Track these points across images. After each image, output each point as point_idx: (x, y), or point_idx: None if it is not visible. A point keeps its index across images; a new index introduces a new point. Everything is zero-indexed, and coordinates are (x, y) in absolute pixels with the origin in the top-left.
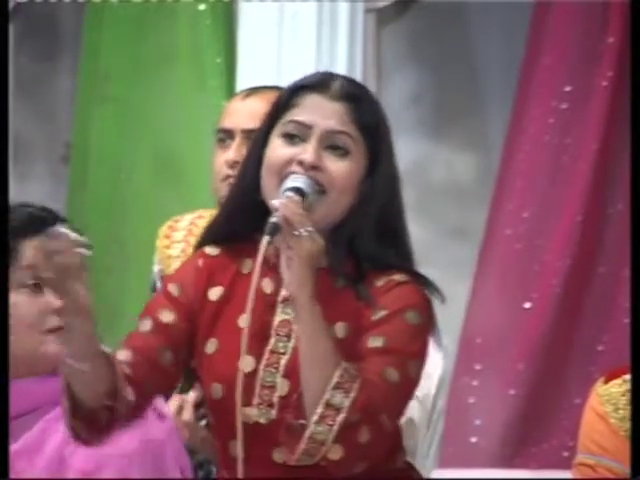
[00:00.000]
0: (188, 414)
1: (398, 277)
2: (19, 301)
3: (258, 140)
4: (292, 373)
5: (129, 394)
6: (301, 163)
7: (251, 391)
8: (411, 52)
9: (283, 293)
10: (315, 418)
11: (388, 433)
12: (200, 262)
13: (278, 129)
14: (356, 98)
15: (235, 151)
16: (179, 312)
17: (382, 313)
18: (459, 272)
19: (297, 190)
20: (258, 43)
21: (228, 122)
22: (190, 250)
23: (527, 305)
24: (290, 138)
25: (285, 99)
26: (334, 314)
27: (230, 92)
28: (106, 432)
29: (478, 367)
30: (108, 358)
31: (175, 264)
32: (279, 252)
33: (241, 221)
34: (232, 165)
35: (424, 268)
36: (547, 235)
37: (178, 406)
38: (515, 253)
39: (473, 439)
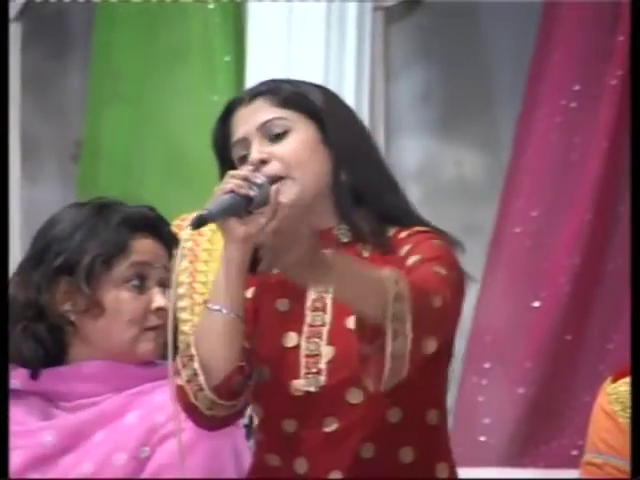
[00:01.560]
0: None
1: (420, 227)
2: (123, 297)
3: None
4: (336, 340)
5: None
6: (252, 165)
7: (297, 364)
8: (419, 50)
9: None
10: (390, 336)
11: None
12: None
13: (235, 158)
14: (272, 88)
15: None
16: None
17: (415, 258)
18: (468, 270)
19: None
20: (267, 42)
21: None
22: (197, 248)
23: (536, 303)
24: (243, 159)
25: (219, 130)
26: None
27: (239, 91)
28: (237, 400)
29: (487, 366)
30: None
31: (183, 262)
32: None
33: None
34: None
35: None
36: (556, 233)
37: None
38: (524, 251)
39: (482, 438)
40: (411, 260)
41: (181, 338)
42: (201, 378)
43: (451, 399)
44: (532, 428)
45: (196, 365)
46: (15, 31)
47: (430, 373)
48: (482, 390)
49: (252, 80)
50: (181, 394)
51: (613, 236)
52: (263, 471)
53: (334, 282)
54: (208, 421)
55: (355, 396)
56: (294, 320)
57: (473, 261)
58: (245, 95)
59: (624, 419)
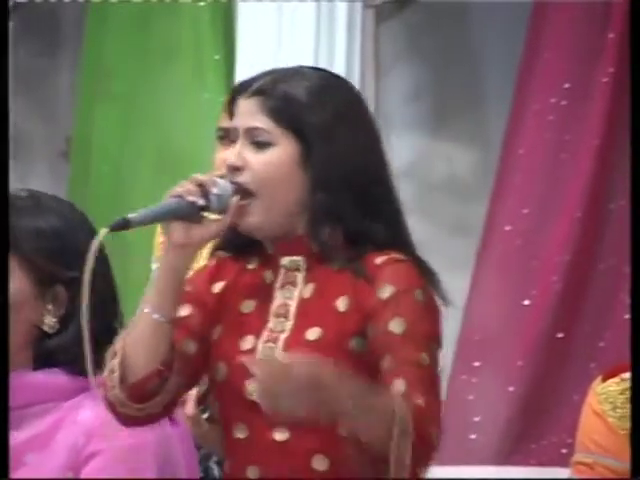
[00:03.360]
0: (190, 408)
1: (396, 255)
2: None
3: None
4: (292, 349)
5: (173, 376)
6: (227, 168)
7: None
8: (410, 48)
9: (281, 279)
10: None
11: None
12: (210, 262)
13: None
14: (267, 91)
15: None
16: (193, 305)
17: (389, 290)
18: (458, 268)
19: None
20: (257, 40)
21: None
22: None
23: (526, 302)
24: (225, 141)
25: (227, 107)
26: (334, 291)
27: (229, 89)
28: (148, 403)
29: (477, 364)
30: (172, 326)
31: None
32: (277, 246)
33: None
34: None
35: None
36: (547, 231)
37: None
38: (515, 249)
39: (472, 436)
40: (385, 293)
41: None
42: (115, 375)
43: (441, 397)
44: (522, 426)
45: (116, 362)
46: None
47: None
48: (472, 388)
49: (241, 78)
50: (103, 387)
51: (604, 234)
52: (225, 477)
53: (344, 413)
54: (121, 418)
55: None
56: (254, 323)
57: (463, 259)
58: (250, 86)
59: (613, 419)
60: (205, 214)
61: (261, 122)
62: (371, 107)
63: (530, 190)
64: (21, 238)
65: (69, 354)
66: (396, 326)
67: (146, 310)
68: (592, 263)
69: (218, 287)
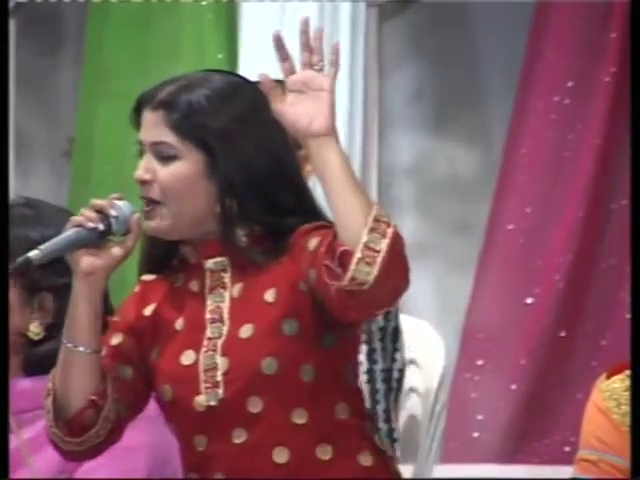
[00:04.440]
0: None
1: (312, 224)
2: None
3: None
4: (229, 351)
5: (110, 404)
6: (137, 182)
7: (196, 380)
8: (413, 47)
9: (209, 284)
10: (356, 258)
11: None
12: (137, 288)
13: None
14: (171, 103)
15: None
16: (124, 333)
17: (316, 240)
18: (461, 267)
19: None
20: (260, 39)
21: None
22: None
23: (529, 300)
24: (140, 155)
25: (134, 117)
26: (262, 285)
27: None
28: (87, 435)
29: (480, 362)
30: (99, 355)
31: None
32: (198, 251)
33: (164, 248)
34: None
35: (426, 263)
36: (549, 230)
37: None
38: (517, 248)
39: (475, 434)
40: (312, 244)
41: None
42: (50, 415)
43: (444, 395)
44: (525, 424)
45: (49, 401)
46: (9, 27)
47: (331, 367)
48: (475, 386)
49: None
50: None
51: (606, 233)
52: None
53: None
54: (65, 454)
55: (255, 405)
56: (192, 337)
57: (466, 258)
58: (151, 98)
59: (618, 416)
60: (111, 237)
61: (165, 136)
62: (374, 106)
63: (533, 189)
64: (11, 246)
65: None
66: (314, 242)
67: (68, 345)
68: (594, 262)
69: (149, 310)
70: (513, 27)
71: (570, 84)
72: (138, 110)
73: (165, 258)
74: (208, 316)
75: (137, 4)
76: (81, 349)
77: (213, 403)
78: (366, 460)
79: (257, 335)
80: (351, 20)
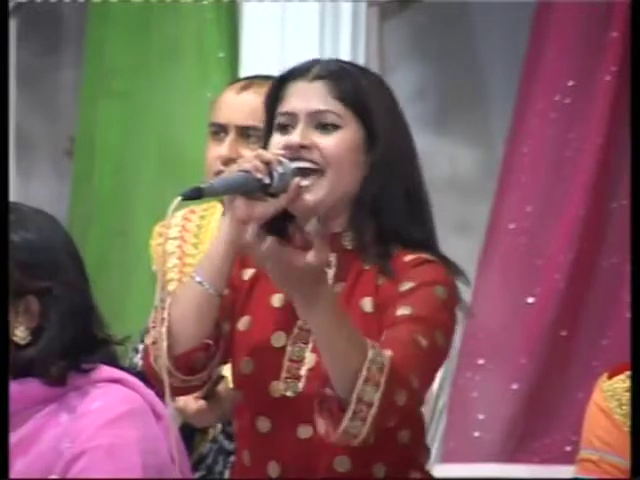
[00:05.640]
0: (192, 404)
1: (426, 255)
2: None
3: (263, 139)
4: None
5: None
6: (289, 147)
7: (279, 366)
8: (414, 46)
9: None
10: (349, 414)
11: (417, 397)
12: None
13: (275, 123)
14: (336, 75)
15: (228, 147)
16: (228, 287)
17: (410, 285)
18: (462, 266)
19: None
20: (261, 38)
21: (222, 116)
22: (186, 246)
23: (530, 300)
24: (284, 129)
25: (274, 93)
26: (361, 291)
27: None
28: (199, 375)
29: (481, 362)
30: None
31: (172, 260)
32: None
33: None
34: (225, 162)
35: None
36: (550, 229)
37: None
38: (518, 247)
39: (476, 434)
40: (406, 286)
41: None
42: (164, 344)
43: (445, 395)
44: (526, 424)
45: (163, 329)
46: (9, 26)
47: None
48: (476, 386)
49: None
50: (146, 354)
51: (607, 232)
52: (239, 470)
53: (324, 316)
54: (162, 387)
55: None
56: (286, 319)
57: (467, 257)
58: (308, 71)
59: (619, 416)
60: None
61: (330, 105)
62: None
63: (534, 188)
64: None
65: (43, 364)
66: (403, 310)
67: (198, 279)
68: (595, 261)
69: (247, 274)
70: (514, 26)
71: (571, 83)
72: (281, 84)
73: (282, 226)
74: None
75: (137, 4)
76: (210, 289)
77: (290, 394)
78: (415, 476)
79: None
80: (352, 19)
